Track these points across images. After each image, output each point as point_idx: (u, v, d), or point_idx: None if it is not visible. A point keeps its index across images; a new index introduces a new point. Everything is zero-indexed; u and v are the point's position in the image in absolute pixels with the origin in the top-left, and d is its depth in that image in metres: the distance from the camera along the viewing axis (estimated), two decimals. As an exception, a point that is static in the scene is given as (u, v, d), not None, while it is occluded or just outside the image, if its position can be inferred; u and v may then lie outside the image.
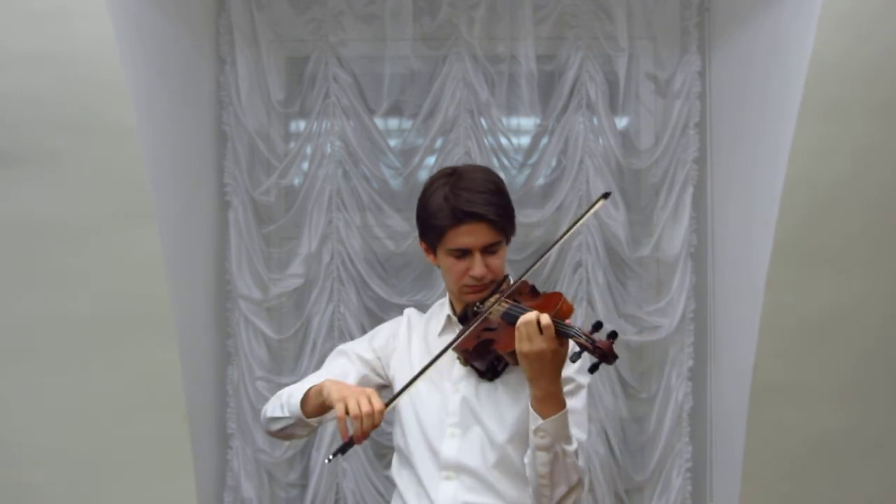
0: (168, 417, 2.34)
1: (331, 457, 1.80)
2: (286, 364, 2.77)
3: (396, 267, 2.76)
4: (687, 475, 2.72)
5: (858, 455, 2.33)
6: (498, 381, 1.92)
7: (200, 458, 2.48)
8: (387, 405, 1.76)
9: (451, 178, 1.92)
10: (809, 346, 2.27)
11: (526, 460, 1.86)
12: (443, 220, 1.88)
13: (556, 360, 1.74)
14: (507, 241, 1.96)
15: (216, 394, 2.71)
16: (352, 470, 2.71)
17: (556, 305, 1.80)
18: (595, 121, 2.69)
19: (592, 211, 1.92)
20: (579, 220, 1.97)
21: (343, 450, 1.76)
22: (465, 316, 1.97)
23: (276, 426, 1.97)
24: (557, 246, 2.07)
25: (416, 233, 2.65)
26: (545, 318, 1.71)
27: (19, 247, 2.22)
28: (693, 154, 2.68)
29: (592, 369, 1.70)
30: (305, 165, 2.74)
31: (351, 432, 1.73)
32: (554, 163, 2.73)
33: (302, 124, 2.75)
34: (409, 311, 2.14)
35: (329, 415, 1.89)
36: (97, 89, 2.08)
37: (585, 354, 1.70)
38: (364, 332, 2.71)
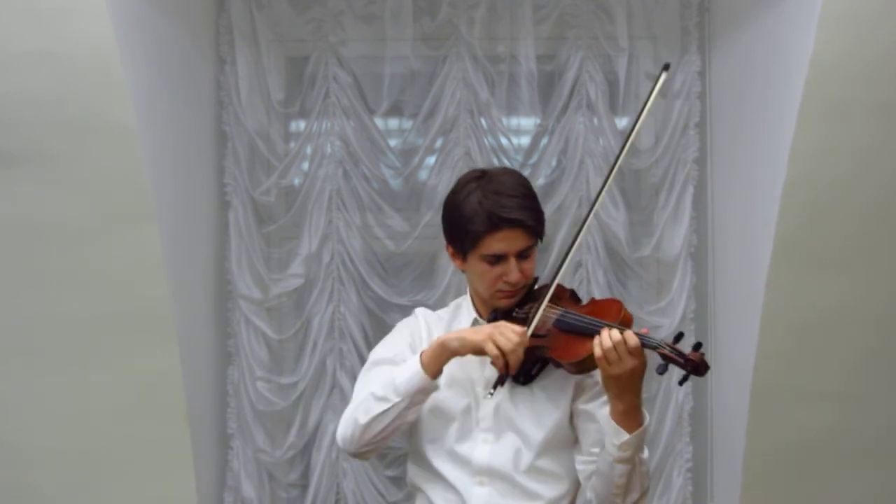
0: (168, 417, 2.34)
1: (492, 391, 1.81)
2: (286, 364, 2.77)
3: (396, 267, 2.76)
4: (687, 475, 2.72)
5: (858, 455, 2.33)
6: (534, 386, 1.90)
7: (200, 458, 2.48)
8: (528, 329, 1.78)
9: (480, 181, 1.89)
10: (809, 346, 2.27)
11: (582, 467, 1.86)
12: (479, 226, 1.84)
13: (641, 374, 1.74)
14: (538, 243, 1.93)
15: (216, 394, 2.71)
16: (352, 470, 2.71)
17: (619, 313, 1.78)
18: (595, 121, 2.69)
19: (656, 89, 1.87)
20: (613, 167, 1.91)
21: (502, 381, 1.80)
22: (494, 319, 1.92)
23: (380, 425, 1.82)
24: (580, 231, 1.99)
25: (416, 233, 2.70)
26: (633, 339, 1.70)
27: (19, 247, 2.22)
28: (693, 154, 2.68)
29: (682, 382, 1.71)
30: (305, 165, 2.74)
31: (508, 365, 1.76)
32: (554, 163, 2.73)
33: (302, 124, 2.75)
34: (422, 313, 2.08)
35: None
36: (97, 89, 2.08)
37: (672, 367, 1.69)
38: (364, 332, 2.72)
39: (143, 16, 2.24)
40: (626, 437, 1.74)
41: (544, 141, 2.71)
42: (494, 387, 1.81)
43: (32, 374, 2.29)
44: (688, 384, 2.68)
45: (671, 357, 1.68)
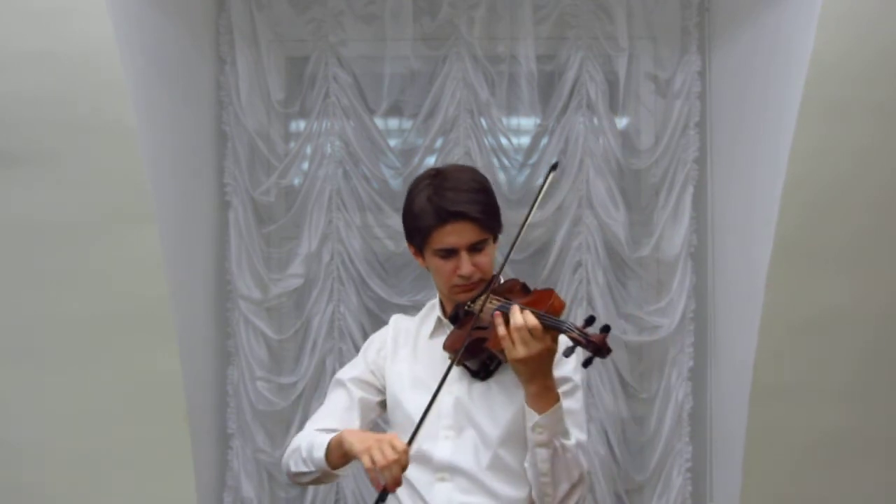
0: (168, 417, 2.34)
1: None
2: (286, 364, 2.77)
3: (396, 267, 2.76)
4: (687, 475, 2.72)
5: (858, 455, 2.33)
6: (491, 381, 1.91)
7: (200, 458, 2.48)
8: (409, 444, 1.75)
9: (435, 178, 1.91)
10: (809, 346, 2.27)
11: (526, 463, 1.85)
12: (427, 221, 1.86)
13: (550, 357, 1.74)
14: (495, 238, 1.95)
15: (216, 394, 2.71)
16: (352, 470, 2.70)
17: (549, 301, 1.79)
18: (595, 121, 2.69)
19: (546, 184, 1.89)
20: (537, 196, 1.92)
21: (382, 499, 1.74)
22: (455, 316, 1.94)
23: (305, 479, 1.95)
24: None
25: (416, 233, 2.70)
26: (530, 319, 1.70)
27: (19, 247, 2.22)
28: (693, 154, 2.68)
29: (586, 364, 1.70)
30: (305, 165, 2.74)
31: (383, 482, 1.71)
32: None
33: (302, 124, 2.75)
34: (395, 318, 2.12)
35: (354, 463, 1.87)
36: (97, 89, 2.08)
37: (578, 349, 1.69)
38: (364, 332, 2.72)
39: (143, 16, 2.24)
40: (536, 417, 1.75)
41: (544, 141, 2.71)
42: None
43: (32, 374, 2.29)
44: (687, 383, 2.71)
45: (576, 339, 1.68)
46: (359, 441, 1.78)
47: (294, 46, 2.75)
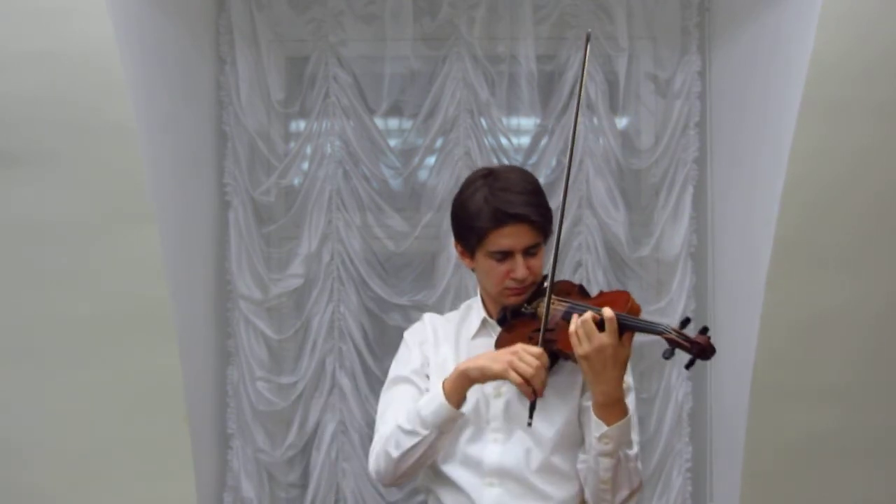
0: (168, 417, 2.34)
1: (530, 421, 1.78)
2: (286, 364, 2.77)
3: (396, 267, 2.76)
4: (687, 475, 2.72)
5: (858, 454, 2.33)
6: None
7: (200, 458, 2.48)
8: (542, 346, 1.76)
9: (487, 178, 1.90)
10: (809, 346, 2.27)
11: (580, 465, 1.84)
12: (484, 223, 1.85)
13: (619, 359, 1.71)
14: (546, 240, 1.94)
15: (216, 394, 2.71)
16: (352, 470, 2.71)
17: (627, 303, 1.77)
18: (595, 121, 2.69)
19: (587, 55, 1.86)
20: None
21: (534, 406, 1.77)
22: (503, 318, 1.93)
23: (412, 458, 1.83)
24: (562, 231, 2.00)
25: (416, 233, 2.70)
26: (608, 311, 1.69)
27: (19, 247, 2.22)
28: (693, 154, 2.68)
29: (689, 366, 1.69)
30: (305, 165, 2.74)
31: (534, 389, 1.74)
32: (554, 163, 2.72)
33: (302, 124, 2.75)
34: (429, 316, 2.09)
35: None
36: (97, 89, 2.08)
37: (679, 351, 1.68)
38: (364, 332, 2.72)
39: (143, 16, 2.24)
40: (605, 428, 1.74)
41: (544, 141, 2.71)
42: (530, 415, 1.79)
43: (32, 374, 2.29)
44: (687, 383, 2.71)
45: (677, 341, 1.67)
46: (493, 361, 1.77)
47: (294, 46, 2.74)
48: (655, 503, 2.71)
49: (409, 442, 1.82)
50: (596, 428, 1.75)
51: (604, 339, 1.69)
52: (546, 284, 1.89)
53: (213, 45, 2.70)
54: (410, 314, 2.68)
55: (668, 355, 1.68)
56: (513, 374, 1.74)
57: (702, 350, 1.66)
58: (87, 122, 2.11)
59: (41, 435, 2.32)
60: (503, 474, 1.86)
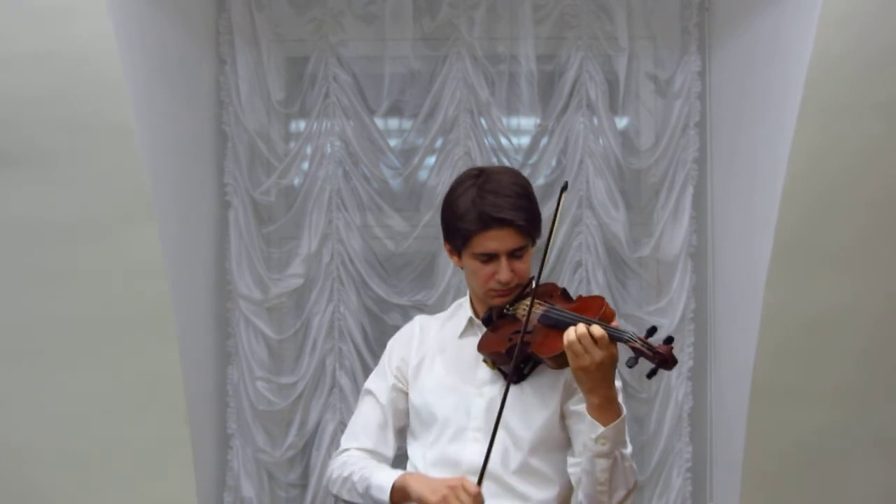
0: (168, 417, 2.34)
1: None
2: (286, 364, 2.77)
3: (396, 267, 2.76)
4: (687, 475, 2.72)
5: (858, 455, 2.33)
6: (525, 384, 1.90)
7: (200, 458, 2.48)
8: (478, 483, 1.76)
9: (477, 179, 1.89)
10: (809, 346, 2.27)
11: (572, 469, 1.85)
12: (469, 225, 1.85)
13: (613, 365, 1.72)
14: (534, 243, 1.94)
15: (216, 394, 2.71)
16: (352, 470, 2.71)
17: (600, 309, 1.78)
18: (595, 121, 2.69)
19: (560, 207, 1.88)
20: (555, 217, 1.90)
21: None
22: (489, 318, 1.94)
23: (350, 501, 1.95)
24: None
25: (416, 233, 2.70)
26: (598, 330, 1.69)
27: (19, 247, 2.22)
28: (693, 154, 2.68)
29: (650, 375, 1.69)
30: (305, 165, 2.74)
31: None
32: (554, 163, 2.73)
33: (302, 124, 2.75)
34: (419, 319, 2.11)
35: None
36: (97, 89, 2.08)
37: (642, 360, 1.69)
38: (364, 332, 2.73)
39: (143, 16, 2.24)
40: (601, 429, 1.74)
41: (544, 141, 2.71)
42: None
43: (32, 374, 2.29)
44: (687, 383, 2.71)
45: (641, 350, 1.68)
46: (430, 491, 1.78)
47: (294, 46, 2.75)
48: (655, 503, 2.71)
49: (357, 499, 1.92)
50: (592, 429, 1.75)
51: (601, 353, 1.70)
52: (529, 287, 1.91)
53: (213, 45, 2.70)
54: (410, 314, 2.66)
55: (632, 364, 1.69)
56: None
57: (664, 360, 1.67)
58: (87, 122, 2.11)
59: (41, 435, 2.32)
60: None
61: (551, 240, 1.94)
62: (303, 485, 2.76)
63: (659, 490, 2.71)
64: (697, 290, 2.71)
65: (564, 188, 1.89)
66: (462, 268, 1.98)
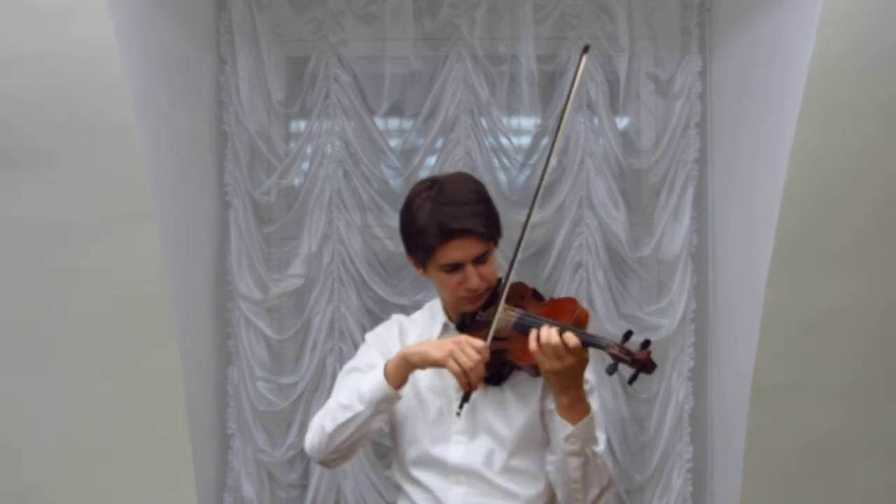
0: (168, 417, 2.34)
1: (458, 411, 1.81)
2: (286, 364, 2.77)
3: (397, 267, 2.76)
4: (688, 475, 2.72)
5: (858, 455, 2.33)
6: (505, 386, 1.91)
7: (200, 459, 2.48)
8: (488, 335, 1.76)
9: (431, 191, 1.90)
10: (809, 346, 2.27)
11: (549, 467, 1.85)
12: (430, 239, 1.86)
13: (583, 367, 1.74)
14: (496, 244, 1.95)
15: (216, 394, 2.71)
16: (352, 470, 2.71)
17: (573, 313, 1.78)
18: (595, 121, 2.69)
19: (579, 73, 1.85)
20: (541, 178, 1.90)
21: (467, 397, 1.79)
22: (462, 323, 1.95)
23: (344, 433, 1.85)
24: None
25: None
26: (572, 339, 1.69)
27: (19, 247, 2.22)
28: (693, 154, 2.68)
29: (631, 380, 1.69)
30: (306, 165, 2.74)
31: (469, 381, 1.75)
32: (554, 163, 2.72)
33: (302, 124, 2.75)
34: (398, 318, 2.13)
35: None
36: (97, 89, 2.08)
37: (621, 366, 1.68)
38: (364, 332, 2.70)
39: (143, 16, 2.24)
40: (570, 428, 1.75)
41: (545, 141, 2.71)
42: (461, 405, 1.82)
43: (32, 374, 2.29)
44: (688, 384, 2.70)
45: (620, 356, 1.68)
46: (435, 348, 1.78)
47: (294, 46, 2.75)
48: (655, 503, 2.71)
49: (343, 416, 1.85)
50: (561, 429, 1.77)
51: (573, 359, 1.70)
52: (502, 289, 1.90)
53: (213, 45, 2.70)
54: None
55: (612, 371, 1.69)
56: (452, 363, 1.76)
57: (642, 365, 1.66)
58: (87, 122, 2.11)
59: (41, 435, 2.33)
60: (469, 473, 1.89)
61: (547, 168, 1.92)
62: (303, 485, 2.76)
63: (660, 491, 2.71)
64: (698, 290, 2.71)
65: (586, 50, 1.86)
66: (428, 277, 1.98)
